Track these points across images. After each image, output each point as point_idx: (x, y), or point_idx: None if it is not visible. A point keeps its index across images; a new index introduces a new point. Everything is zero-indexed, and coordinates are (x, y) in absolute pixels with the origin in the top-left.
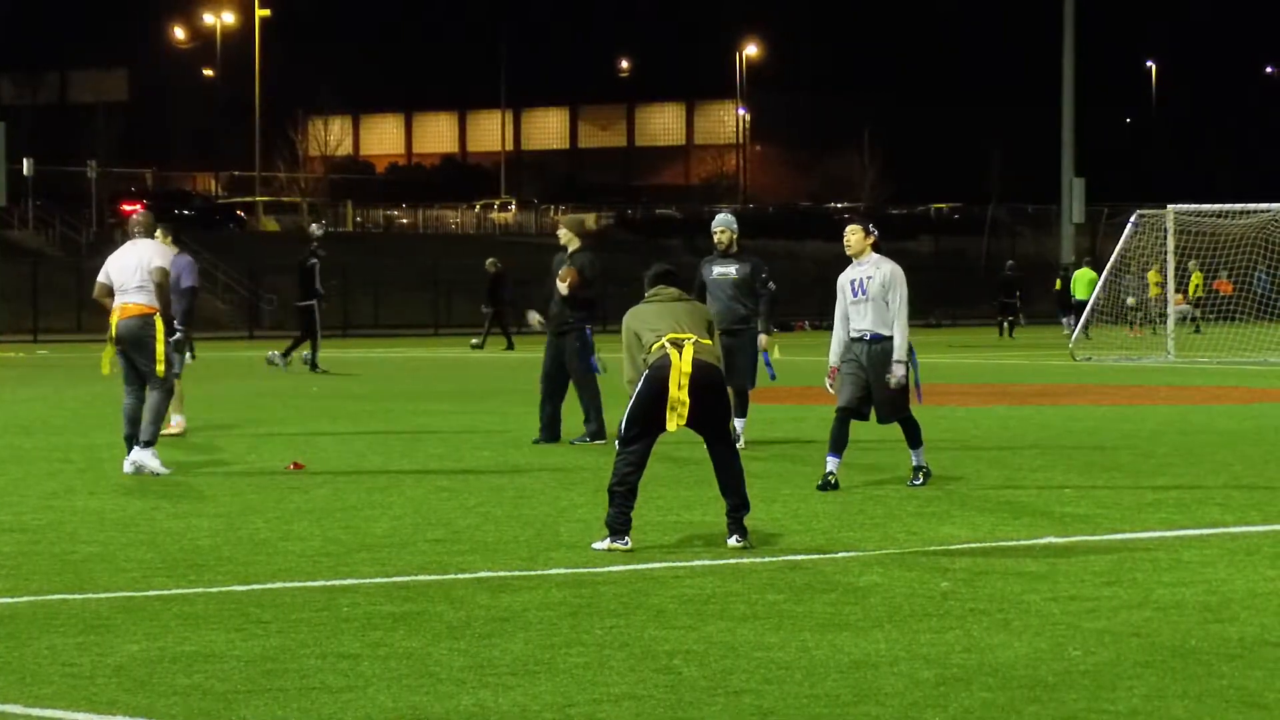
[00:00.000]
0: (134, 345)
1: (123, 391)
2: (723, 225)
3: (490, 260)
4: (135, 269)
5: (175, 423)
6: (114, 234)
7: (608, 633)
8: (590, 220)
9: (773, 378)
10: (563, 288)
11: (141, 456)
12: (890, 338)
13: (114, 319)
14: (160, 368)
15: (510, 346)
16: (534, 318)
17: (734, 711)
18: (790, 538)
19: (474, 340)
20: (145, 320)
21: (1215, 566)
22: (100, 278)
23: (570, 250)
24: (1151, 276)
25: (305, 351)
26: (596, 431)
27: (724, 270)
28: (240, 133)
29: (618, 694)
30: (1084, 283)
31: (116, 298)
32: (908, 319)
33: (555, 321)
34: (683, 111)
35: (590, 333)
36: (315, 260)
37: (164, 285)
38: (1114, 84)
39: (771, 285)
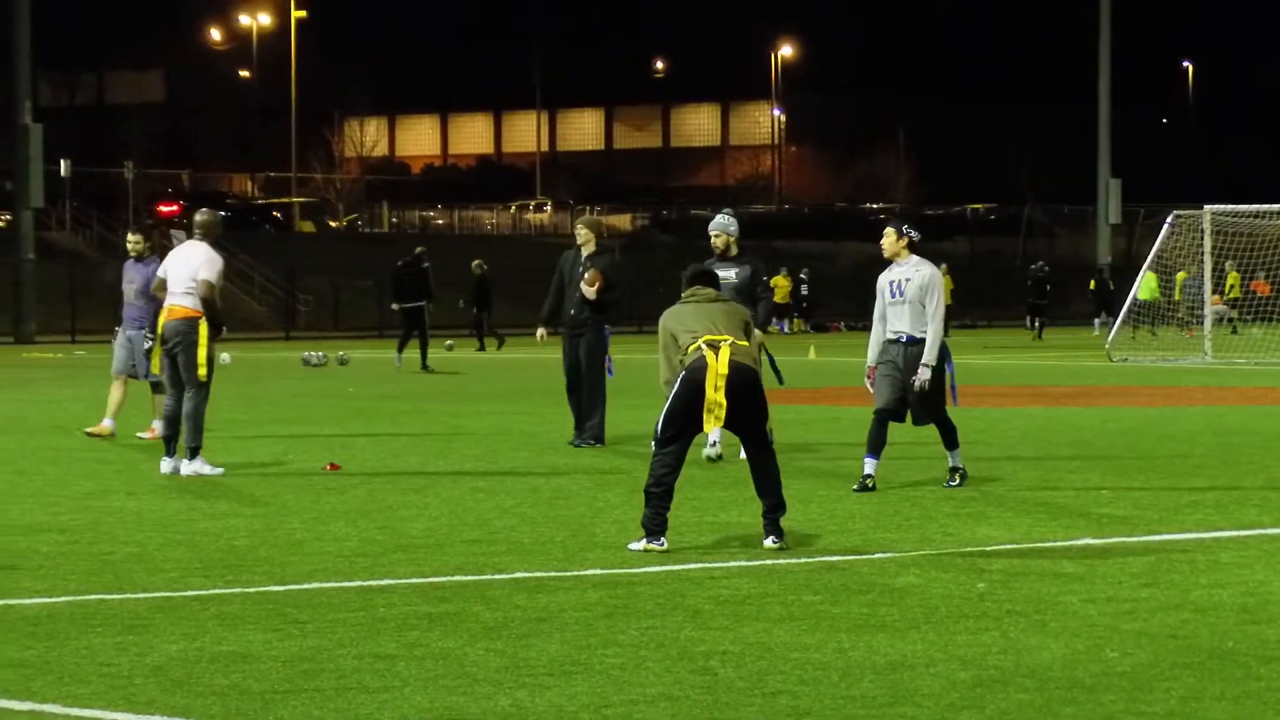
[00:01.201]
0: (176, 347)
1: (166, 393)
2: (718, 229)
3: (476, 262)
4: (187, 274)
5: (155, 426)
6: (150, 235)
7: (644, 633)
8: (625, 221)
9: (780, 381)
10: (590, 292)
11: (194, 465)
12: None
13: (161, 319)
14: (203, 371)
15: (482, 348)
16: (541, 334)
17: (770, 712)
18: (826, 539)
19: (447, 342)
20: (190, 323)
21: (1253, 568)
22: (159, 272)
23: (587, 252)
24: (1180, 277)
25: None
26: (597, 435)
27: (724, 274)
28: (276, 134)
29: (654, 695)
30: (1149, 286)
31: (167, 298)
32: (943, 322)
33: (572, 323)
34: (718, 112)
35: (608, 333)
36: (428, 264)
37: (209, 298)
38: (1150, 84)
39: (804, 289)
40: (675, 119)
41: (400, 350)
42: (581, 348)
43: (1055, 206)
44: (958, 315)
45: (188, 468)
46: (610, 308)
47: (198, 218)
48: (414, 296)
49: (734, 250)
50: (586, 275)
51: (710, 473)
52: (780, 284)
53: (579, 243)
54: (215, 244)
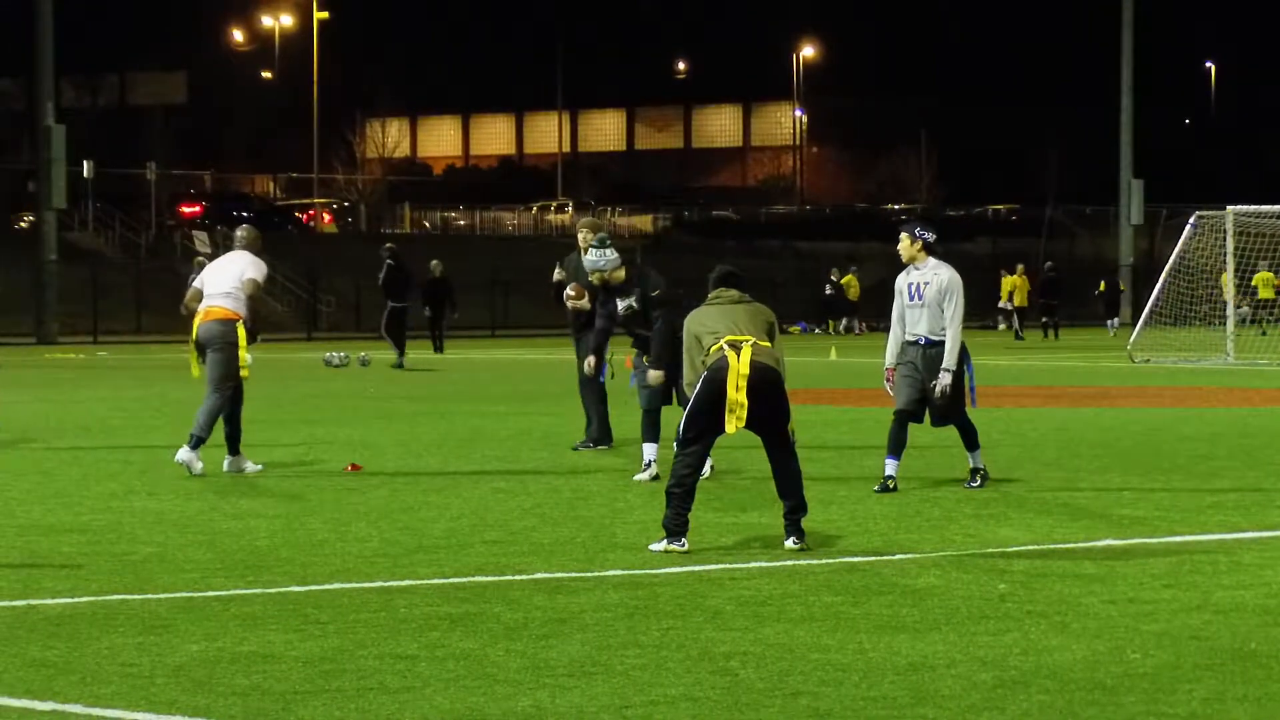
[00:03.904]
0: (212, 348)
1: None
2: (590, 269)
3: (434, 263)
4: (229, 278)
5: None
6: (173, 236)
7: (665, 634)
8: (647, 222)
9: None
10: (580, 305)
11: (188, 455)
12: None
13: (197, 322)
14: (245, 372)
15: (439, 349)
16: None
17: (791, 713)
18: (847, 540)
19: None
20: (227, 325)
21: (1276, 569)
22: (195, 283)
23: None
24: (1223, 280)
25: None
26: (598, 438)
27: (620, 305)
28: (298, 135)
29: (674, 695)
30: (1264, 283)
31: (204, 302)
32: (961, 324)
33: (578, 323)
34: (739, 113)
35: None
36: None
37: (255, 298)
38: (1173, 85)
39: (828, 289)
40: (697, 120)
41: (402, 350)
42: (580, 350)
43: (1077, 207)
44: (980, 316)
45: (184, 454)
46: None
47: (239, 233)
48: (407, 296)
49: (617, 279)
50: (570, 290)
51: (731, 474)
52: (851, 282)
53: (581, 244)
54: (258, 256)
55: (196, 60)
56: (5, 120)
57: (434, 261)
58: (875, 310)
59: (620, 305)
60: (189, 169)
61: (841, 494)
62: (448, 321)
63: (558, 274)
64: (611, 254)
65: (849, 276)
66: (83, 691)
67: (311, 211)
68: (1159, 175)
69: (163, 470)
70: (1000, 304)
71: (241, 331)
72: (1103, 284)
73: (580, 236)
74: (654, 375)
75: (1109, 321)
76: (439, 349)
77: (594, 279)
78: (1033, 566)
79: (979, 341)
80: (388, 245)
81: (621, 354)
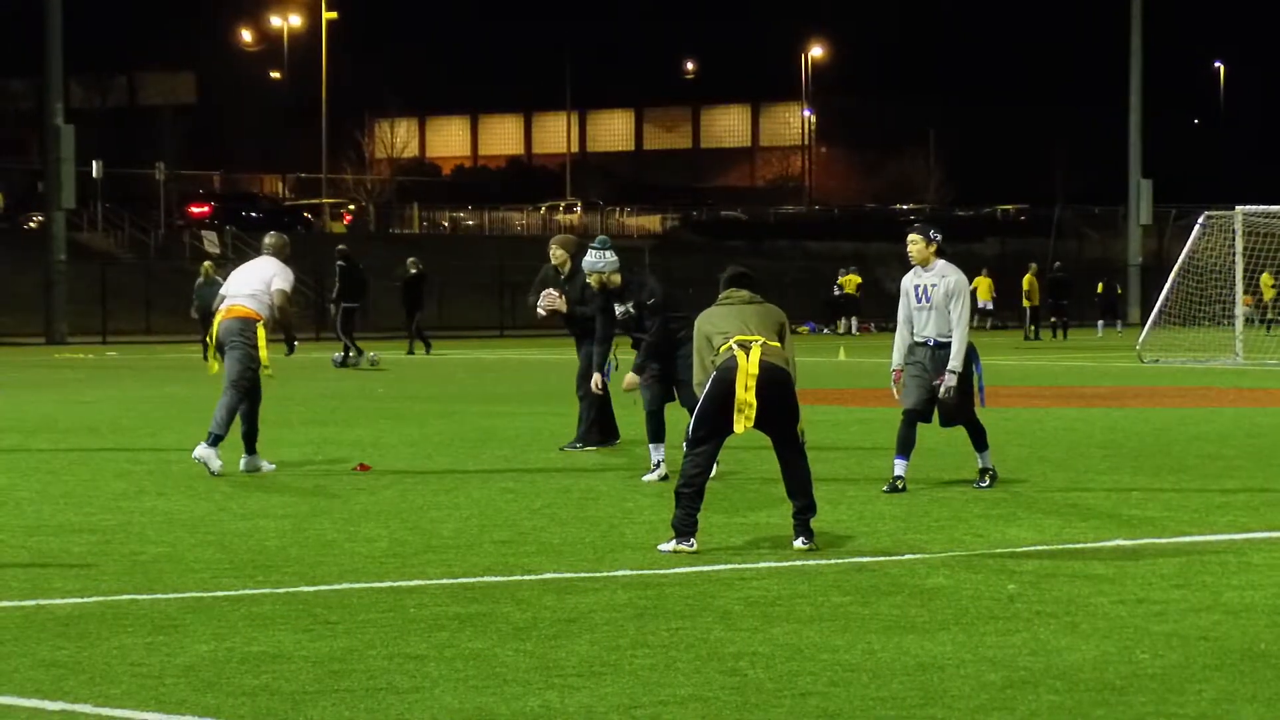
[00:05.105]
0: (230, 345)
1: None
2: (588, 270)
3: (411, 260)
4: (255, 279)
5: None
6: (182, 236)
7: (674, 634)
8: (655, 222)
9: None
10: (557, 305)
11: (207, 452)
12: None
13: (217, 319)
14: (268, 371)
15: (427, 350)
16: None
17: (800, 713)
18: (856, 540)
19: (372, 354)
20: (246, 323)
21: None
22: (221, 291)
23: (566, 272)
24: (1265, 279)
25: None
26: (585, 438)
27: (617, 310)
28: (306, 135)
29: (683, 696)
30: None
31: (225, 301)
32: (968, 325)
33: (573, 329)
34: (748, 113)
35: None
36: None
37: (285, 308)
38: (1182, 85)
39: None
40: (705, 120)
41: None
42: (582, 352)
43: (1086, 207)
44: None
45: (201, 450)
46: (585, 320)
47: (267, 239)
48: (359, 297)
49: (614, 283)
50: (549, 294)
51: (740, 474)
52: (853, 280)
53: (554, 262)
54: (285, 263)
55: (205, 61)
56: (14, 120)
57: (410, 259)
58: (879, 310)
59: (617, 310)
60: (198, 169)
61: (850, 494)
62: (421, 316)
63: (542, 299)
64: (610, 256)
65: (850, 275)
66: (92, 691)
67: (325, 214)
68: (1168, 175)
69: (172, 470)
70: (981, 304)
71: (261, 332)
72: (1100, 285)
73: (551, 252)
74: (628, 379)
75: (1100, 323)
76: (428, 349)
77: (592, 281)
78: (1042, 567)
79: (987, 341)
80: (340, 247)
81: (625, 354)
